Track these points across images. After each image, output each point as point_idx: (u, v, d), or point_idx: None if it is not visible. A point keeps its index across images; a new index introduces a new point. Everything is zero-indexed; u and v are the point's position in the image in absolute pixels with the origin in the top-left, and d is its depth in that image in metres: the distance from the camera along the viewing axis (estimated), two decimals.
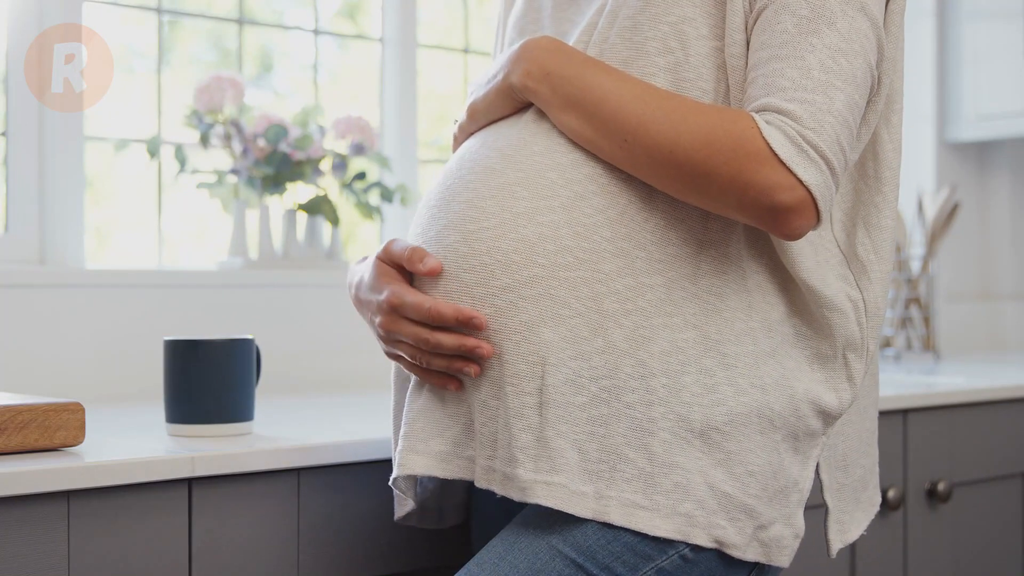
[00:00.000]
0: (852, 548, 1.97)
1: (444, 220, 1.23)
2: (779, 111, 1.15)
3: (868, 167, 1.30)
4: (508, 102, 1.28)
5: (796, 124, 1.14)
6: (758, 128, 1.14)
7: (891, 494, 1.99)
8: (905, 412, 2.05)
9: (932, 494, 2.08)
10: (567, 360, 1.18)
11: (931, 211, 2.86)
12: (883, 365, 2.71)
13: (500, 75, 1.28)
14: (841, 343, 1.27)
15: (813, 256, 1.25)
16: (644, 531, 1.17)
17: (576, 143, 1.23)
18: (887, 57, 1.24)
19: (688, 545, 1.19)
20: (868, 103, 1.24)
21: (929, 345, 2.83)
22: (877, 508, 1.40)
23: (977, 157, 3.21)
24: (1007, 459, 2.23)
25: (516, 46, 1.28)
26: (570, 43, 1.30)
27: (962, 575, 2.16)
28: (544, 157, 1.23)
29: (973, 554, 2.18)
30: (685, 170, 1.17)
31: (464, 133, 1.34)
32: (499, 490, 1.18)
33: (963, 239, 3.18)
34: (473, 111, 1.31)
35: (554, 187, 1.21)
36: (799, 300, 1.27)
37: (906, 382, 2.31)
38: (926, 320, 2.84)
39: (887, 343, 2.86)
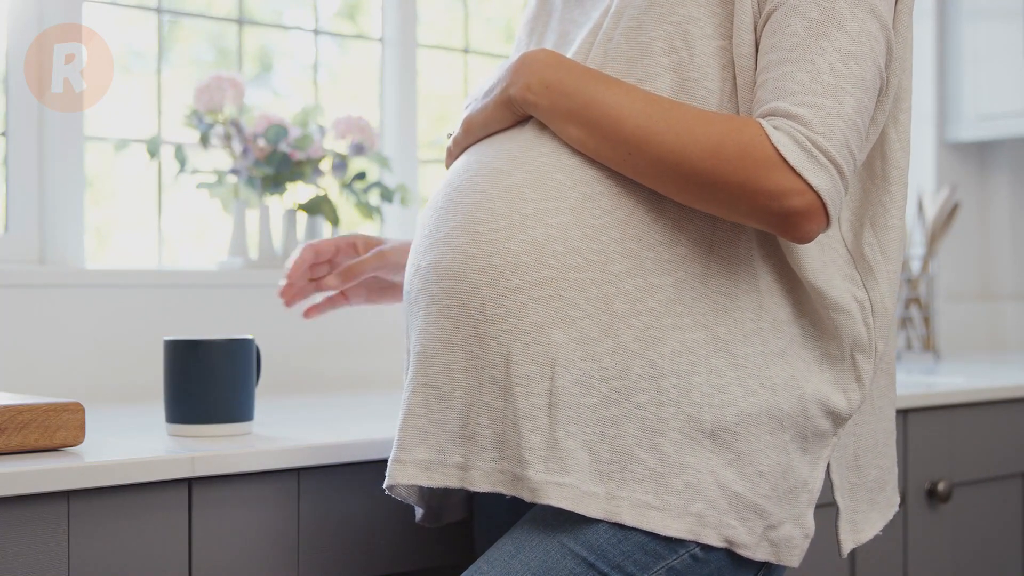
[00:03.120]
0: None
1: (452, 221, 1.23)
2: (788, 115, 1.15)
3: (876, 166, 1.30)
4: (507, 115, 1.27)
5: (805, 129, 1.14)
6: (766, 134, 1.14)
7: None
8: (905, 412, 2.05)
9: (932, 494, 2.08)
10: (577, 361, 1.18)
11: (931, 211, 2.86)
12: None
13: (498, 88, 1.27)
14: (848, 344, 1.27)
15: (819, 256, 1.25)
16: (656, 531, 1.17)
17: None
18: (896, 57, 1.24)
19: (699, 544, 1.19)
20: (876, 103, 1.24)
21: (929, 345, 2.83)
22: (896, 509, 1.40)
23: (977, 157, 3.21)
24: (1007, 459, 2.23)
25: (513, 59, 1.28)
26: (575, 44, 1.30)
27: (962, 575, 2.16)
28: (551, 158, 1.23)
29: (973, 554, 2.18)
30: (693, 180, 1.17)
31: (459, 147, 1.33)
32: (508, 491, 1.18)
33: (963, 239, 3.18)
34: (469, 124, 1.31)
35: (562, 188, 1.21)
36: (807, 301, 1.27)
37: (906, 382, 2.31)
38: (926, 320, 2.84)
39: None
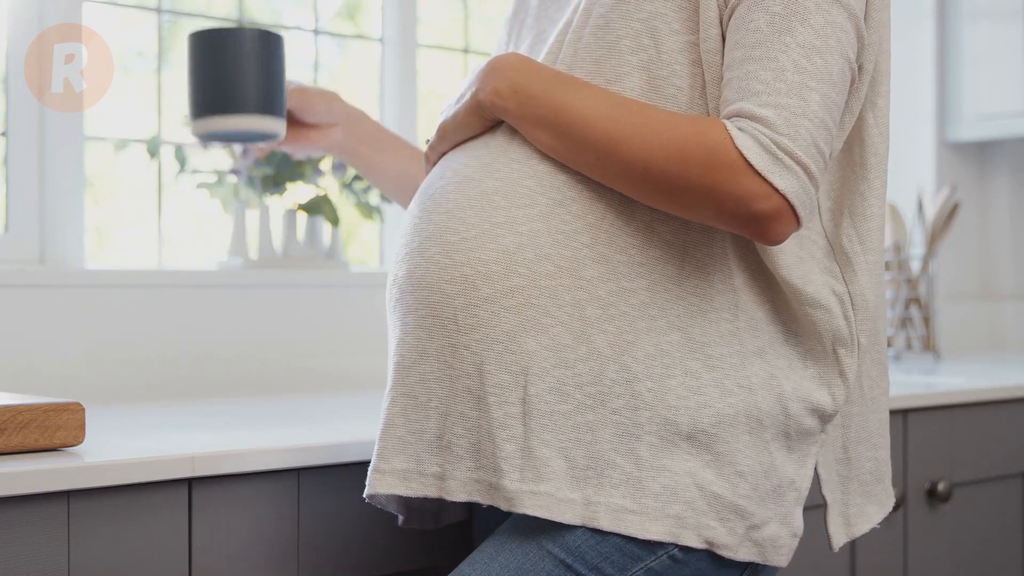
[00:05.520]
0: (852, 548, 1.97)
1: (426, 231, 1.23)
2: (752, 117, 1.14)
3: (855, 153, 1.28)
4: (478, 120, 1.27)
5: (769, 131, 1.13)
6: (730, 138, 1.13)
7: None
8: (905, 412, 2.05)
9: (932, 494, 2.08)
10: (550, 369, 1.18)
11: (931, 211, 2.86)
12: None
13: (468, 94, 1.27)
14: (829, 340, 1.26)
15: (796, 251, 1.24)
16: (634, 535, 1.17)
17: None
18: (871, 42, 1.23)
19: (677, 546, 1.19)
20: (851, 91, 1.23)
21: (929, 345, 2.83)
22: (893, 500, 1.39)
23: (977, 157, 3.21)
24: (1007, 459, 2.23)
25: (483, 64, 1.28)
26: (548, 43, 1.30)
27: (962, 575, 2.16)
28: (521, 164, 1.22)
29: (973, 554, 2.18)
30: (661, 185, 1.16)
31: (436, 153, 1.33)
32: (484, 500, 1.18)
33: (963, 239, 3.18)
34: (443, 131, 1.31)
35: (532, 195, 1.21)
36: (785, 299, 1.26)
37: (906, 382, 2.31)
38: (926, 320, 2.84)
39: (887, 343, 2.85)
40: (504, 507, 1.17)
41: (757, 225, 1.15)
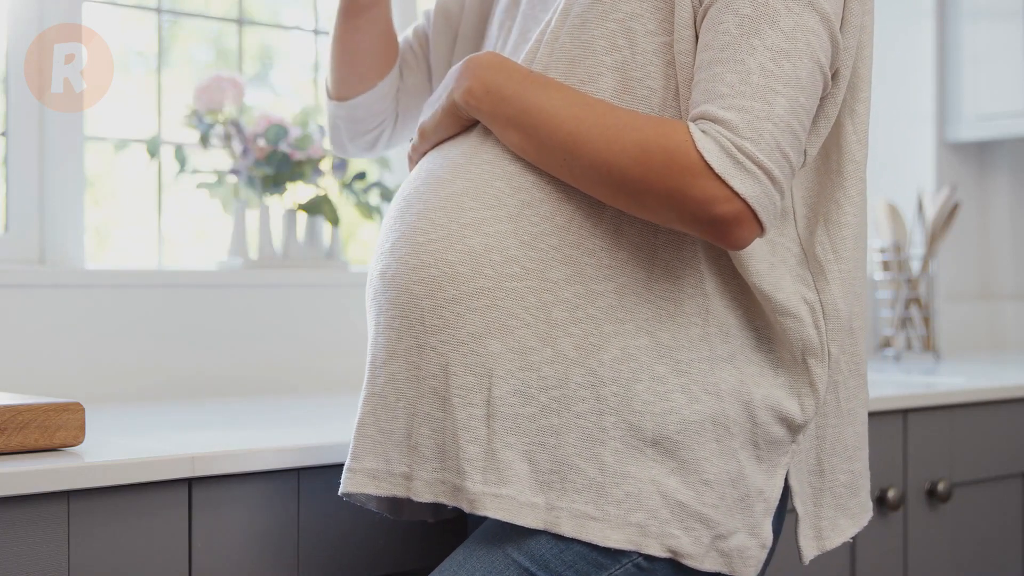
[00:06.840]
0: (852, 548, 1.97)
1: (398, 232, 1.24)
2: (715, 120, 1.12)
3: (832, 160, 1.27)
4: (454, 120, 1.27)
5: (731, 134, 1.12)
6: (692, 140, 1.12)
7: (891, 494, 1.99)
8: (905, 412, 2.05)
9: (932, 494, 2.08)
10: (515, 371, 1.17)
11: (931, 211, 2.86)
12: (883, 365, 2.71)
13: (445, 94, 1.27)
14: (799, 348, 1.24)
15: (768, 258, 1.23)
16: (595, 542, 1.16)
17: None
18: (847, 47, 1.21)
19: (642, 554, 1.18)
20: (827, 96, 1.22)
21: (929, 345, 2.83)
22: (869, 514, 1.36)
23: (977, 157, 3.21)
24: (1007, 459, 2.23)
25: (460, 63, 1.27)
26: (531, 42, 1.29)
27: (962, 575, 2.16)
28: (492, 165, 1.22)
29: (973, 554, 2.18)
30: (624, 187, 1.15)
31: (418, 153, 1.33)
32: (449, 501, 1.18)
33: (963, 239, 3.18)
34: (423, 132, 1.31)
35: (501, 196, 1.20)
36: (757, 305, 1.24)
37: (906, 382, 2.31)
38: (926, 320, 2.84)
39: (887, 343, 2.86)
40: (467, 509, 1.17)
41: (718, 229, 1.13)
